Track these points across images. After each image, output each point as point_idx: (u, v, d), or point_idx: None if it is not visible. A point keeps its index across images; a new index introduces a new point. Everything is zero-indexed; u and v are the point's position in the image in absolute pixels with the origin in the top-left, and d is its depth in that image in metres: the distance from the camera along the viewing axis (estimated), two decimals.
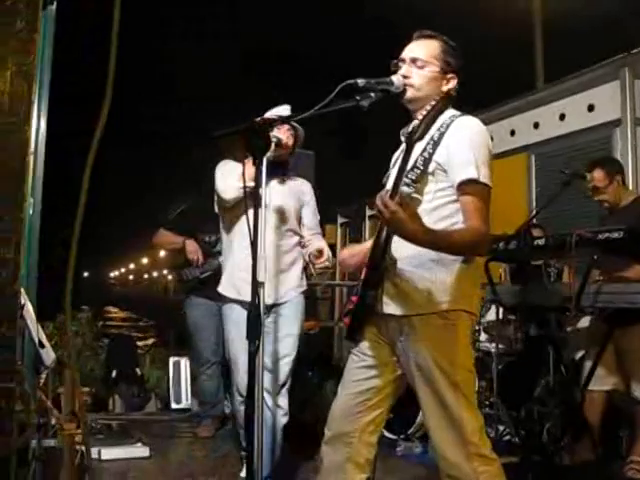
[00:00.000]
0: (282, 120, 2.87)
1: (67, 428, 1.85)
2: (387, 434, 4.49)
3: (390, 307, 2.33)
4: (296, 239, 3.74)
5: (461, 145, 2.22)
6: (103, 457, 3.88)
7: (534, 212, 4.31)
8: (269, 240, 3.44)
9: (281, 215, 3.63)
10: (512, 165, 6.19)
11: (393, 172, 2.44)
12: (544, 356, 4.29)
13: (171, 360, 5.93)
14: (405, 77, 2.35)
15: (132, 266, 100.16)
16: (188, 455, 4.49)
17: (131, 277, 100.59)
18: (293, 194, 3.74)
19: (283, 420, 3.53)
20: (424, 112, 2.32)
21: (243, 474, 3.74)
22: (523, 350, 4.81)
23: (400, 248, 2.26)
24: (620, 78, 5.21)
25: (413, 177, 2.18)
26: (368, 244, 2.58)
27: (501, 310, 4.47)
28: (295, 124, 3.70)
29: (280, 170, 3.65)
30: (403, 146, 2.55)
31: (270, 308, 3.59)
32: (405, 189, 2.07)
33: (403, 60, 2.40)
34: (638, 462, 3.83)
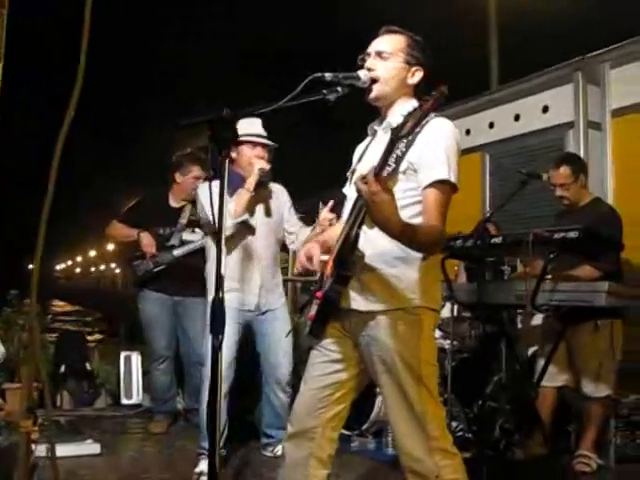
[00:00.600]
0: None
1: (24, 425, 1.78)
2: (341, 430, 4.49)
3: (355, 302, 2.32)
4: (278, 249, 4.17)
5: (435, 147, 2.23)
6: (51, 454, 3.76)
7: (491, 211, 4.35)
8: (262, 255, 3.98)
9: (269, 227, 4.02)
10: (467, 164, 6.19)
11: (363, 165, 2.44)
12: (497, 353, 4.35)
13: (122, 355, 5.83)
14: (370, 70, 2.35)
15: (79, 259, 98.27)
16: (140, 451, 4.42)
17: (78, 270, 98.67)
18: (274, 206, 4.08)
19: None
20: (409, 108, 2.32)
21: (198, 469, 3.71)
22: (476, 347, 4.87)
23: (366, 244, 2.25)
24: (574, 81, 5.32)
25: (384, 174, 2.17)
26: (325, 237, 2.57)
27: (455, 307, 4.50)
28: (269, 142, 4.01)
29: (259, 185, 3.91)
30: (368, 139, 2.55)
31: (264, 313, 4.04)
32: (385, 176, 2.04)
33: (368, 54, 2.40)
34: (586, 456, 3.94)
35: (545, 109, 5.61)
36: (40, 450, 2.43)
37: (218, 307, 1.89)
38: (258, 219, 3.99)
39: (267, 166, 3.89)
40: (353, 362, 2.43)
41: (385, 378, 2.30)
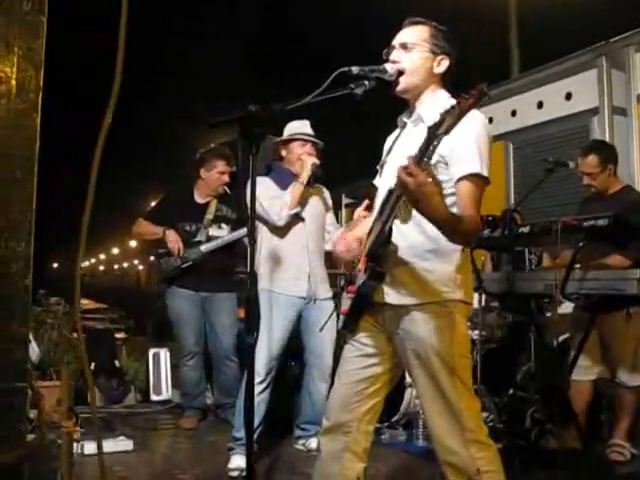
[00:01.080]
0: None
1: (66, 425, 1.81)
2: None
3: (389, 296, 2.32)
4: (324, 243, 4.24)
5: (467, 139, 2.21)
6: (86, 452, 3.76)
7: (517, 199, 4.32)
8: (311, 246, 4.09)
9: (317, 222, 4.18)
10: (490, 160, 6.21)
11: (392, 157, 2.44)
12: (525, 342, 4.33)
13: (151, 351, 5.88)
14: (395, 62, 2.35)
15: (102, 256, 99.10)
16: (172, 447, 4.47)
17: (102, 267, 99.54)
18: (321, 202, 4.26)
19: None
20: (439, 98, 2.32)
21: (232, 464, 3.74)
22: (505, 337, 4.85)
23: (399, 238, 2.25)
24: (598, 67, 5.25)
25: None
26: (360, 231, 2.57)
27: (483, 297, 4.49)
28: (317, 141, 4.17)
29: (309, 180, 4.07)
30: (398, 131, 2.55)
31: (313, 301, 4.09)
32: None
33: (393, 47, 2.39)
34: (620, 445, 3.92)
35: (568, 96, 5.54)
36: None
37: (253, 304, 1.90)
38: (308, 212, 4.12)
39: (317, 161, 4.06)
40: (387, 356, 2.43)
41: (419, 372, 2.31)
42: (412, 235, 2.23)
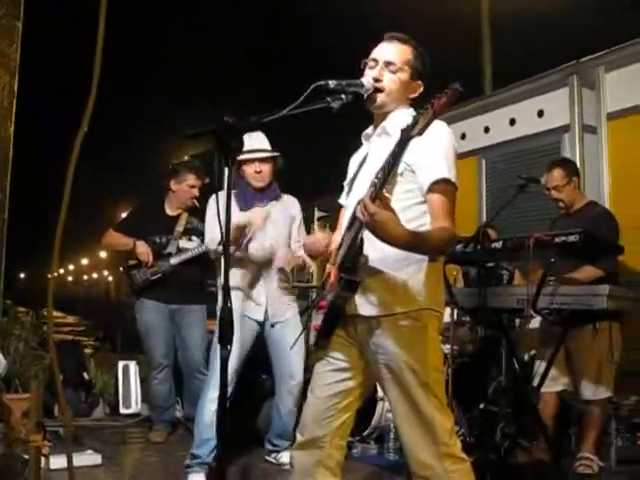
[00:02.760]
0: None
1: (34, 439, 1.76)
2: None
3: (361, 307, 2.32)
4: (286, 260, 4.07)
5: (432, 147, 2.23)
6: (52, 466, 3.63)
7: (491, 215, 4.37)
8: (268, 266, 3.97)
9: (277, 240, 4.03)
10: (462, 168, 6.14)
11: (362, 174, 2.44)
12: (496, 357, 4.36)
13: (120, 364, 5.79)
14: (377, 80, 2.35)
15: (71, 267, 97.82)
16: (141, 461, 4.39)
17: (70, 278, 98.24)
18: (283, 218, 4.11)
19: None
20: (406, 116, 2.33)
21: None
22: (476, 351, 4.87)
23: (369, 248, 2.24)
24: (569, 85, 5.35)
25: (383, 177, 2.16)
26: (332, 238, 2.57)
27: (455, 312, 4.51)
28: (274, 154, 4.05)
29: (265, 195, 4.05)
30: (364, 148, 2.55)
31: (273, 324, 4.04)
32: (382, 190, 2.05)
33: (375, 60, 2.39)
34: (588, 458, 3.94)
35: (540, 113, 5.64)
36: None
37: (226, 317, 1.88)
38: (267, 231, 4.00)
39: (259, 183, 3.99)
40: (359, 369, 2.43)
41: (392, 386, 2.30)
42: (382, 245, 2.22)
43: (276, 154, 4.08)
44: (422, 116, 1.90)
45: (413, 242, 2.14)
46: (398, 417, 2.34)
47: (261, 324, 4.02)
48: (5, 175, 1.03)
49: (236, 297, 3.85)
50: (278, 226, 4.07)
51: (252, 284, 3.97)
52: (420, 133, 1.92)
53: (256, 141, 4.01)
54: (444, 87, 2.14)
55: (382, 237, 2.06)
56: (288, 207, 4.20)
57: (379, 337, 2.30)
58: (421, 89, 2.46)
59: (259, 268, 3.98)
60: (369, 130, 2.53)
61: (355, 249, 2.20)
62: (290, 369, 4.04)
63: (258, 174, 3.98)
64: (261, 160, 4.00)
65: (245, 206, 3.96)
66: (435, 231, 2.23)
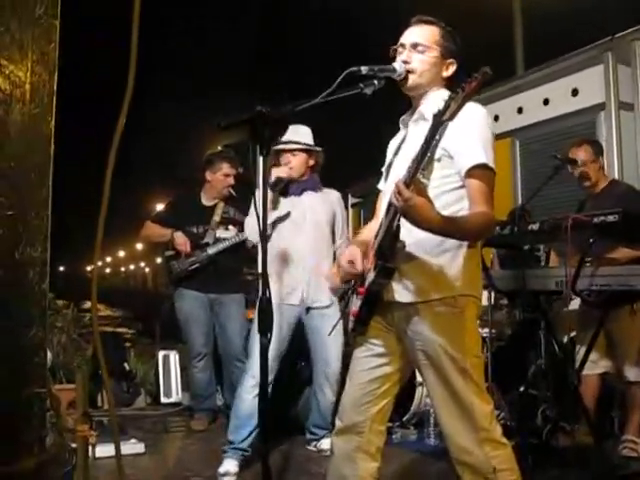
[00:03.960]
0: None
1: (81, 429, 1.81)
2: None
3: (398, 294, 2.32)
4: (328, 250, 4.15)
5: (469, 131, 2.22)
6: (97, 455, 3.75)
7: (525, 196, 4.32)
8: (307, 253, 4.00)
9: (317, 229, 4.08)
10: (496, 150, 6.14)
11: (399, 159, 2.43)
12: (535, 340, 4.32)
13: (160, 354, 5.88)
14: (406, 62, 2.34)
15: (109, 259, 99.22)
16: (183, 449, 4.46)
17: (108, 270, 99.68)
18: (324, 209, 4.15)
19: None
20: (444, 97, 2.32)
21: (222, 469, 3.73)
22: (514, 334, 4.84)
23: (406, 234, 2.24)
24: (604, 62, 5.24)
25: (416, 164, 2.15)
26: (363, 236, 2.57)
27: (493, 295, 4.48)
28: (314, 147, 4.12)
29: (301, 185, 4.10)
30: (402, 133, 2.54)
31: (310, 309, 4.05)
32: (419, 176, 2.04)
33: (403, 45, 2.38)
34: (632, 441, 3.90)
35: (575, 92, 5.54)
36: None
37: (265, 306, 1.90)
38: (307, 220, 4.06)
39: (284, 174, 4.00)
40: (397, 355, 2.43)
41: (430, 372, 2.30)
42: (418, 232, 2.21)
43: (308, 147, 4.09)
44: (453, 100, 1.88)
45: (448, 228, 2.13)
46: (437, 403, 2.34)
47: (298, 310, 4.03)
48: (47, 171, 1.05)
49: (273, 284, 3.85)
50: (317, 213, 4.10)
51: (289, 269, 3.98)
52: (451, 118, 1.90)
53: (291, 134, 4.07)
54: (475, 69, 2.12)
55: (416, 222, 2.06)
56: (329, 200, 4.24)
57: (416, 323, 2.29)
58: (454, 67, 2.42)
59: (296, 253, 3.99)
60: (407, 115, 2.52)
61: (391, 235, 2.19)
62: (326, 356, 4.07)
63: (287, 164, 4.03)
64: (291, 152, 4.05)
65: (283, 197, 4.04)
66: (473, 216, 2.22)
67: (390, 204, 2.24)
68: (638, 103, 5.09)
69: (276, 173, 3.96)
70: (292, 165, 4.04)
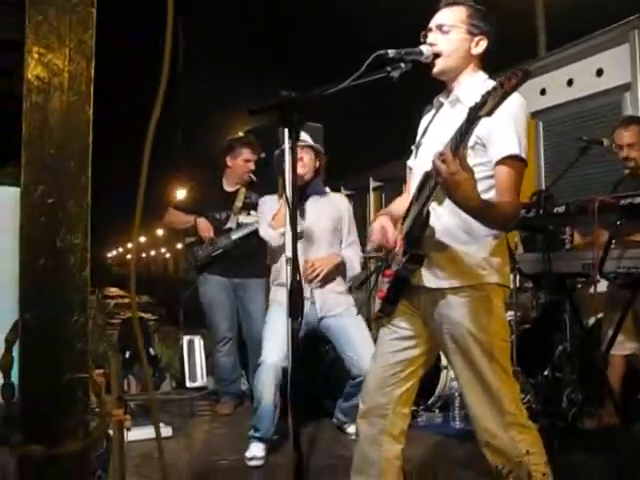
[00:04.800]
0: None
1: (116, 414, 1.84)
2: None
3: (426, 279, 2.32)
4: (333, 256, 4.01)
5: (504, 121, 2.19)
6: (127, 439, 3.82)
7: (550, 178, 4.28)
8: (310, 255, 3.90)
9: (320, 237, 3.99)
10: (528, 141, 6.13)
11: (428, 139, 2.42)
12: (560, 323, 4.29)
13: (185, 338, 5.92)
14: (432, 45, 2.33)
15: (130, 245, 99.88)
16: (210, 433, 4.52)
17: (129, 256, 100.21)
18: (330, 214, 4.06)
19: None
20: (477, 80, 2.31)
21: (249, 453, 3.75)
22: (539, 317, 4.82)
23: (435, 221, 2.24)
24: (630, 41, 5.14)
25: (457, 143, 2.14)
26: (397, 209, 2.56)
27: (518, 278, 4.46)
28: (318, 147, 4.08)
29: (312, 190, 4.04)
30: (433, 112, 2.52)
31: (322, 319, 3.98)
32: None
33: (430, 29, 2.37)
34: None
35: (599, 72, 5.44)
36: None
37: (296, 289, 1.90)
38: (312, 225, 3.99)
39: (300, 170, 3.85)
40: (423, 339, 2.43)
41: (457, 356, 2.31)
42: (448, 218, 2.23)
43: (316, 145, 4.05)
44: (491, 96, 1.86)
45: (484, 209, 2.12)
46: (464, 387, 2.35)
47: (311, 320, 3.94)
48: (87, 159, 1.06)
49: (282, 292, 3.83)
50: (321, 221, 4.02)
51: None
52: (489, 114, 1.88)
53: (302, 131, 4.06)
54: (497, 50, 2.09)
55: (457, 197, 2.03)
56: (335, 203, 4.18)
57: (443, 307, 2.30)
58: (485, 43, 2.39)
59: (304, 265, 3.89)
60: (441, 96, 2.50)
61: (422, 222, 2.19)
62: (357, 353, 3.86)
63: (299, 162, 3.90)
64: (302, 148, 3.94)
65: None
66: (504, 204, 2.21)
67: (421, 188, 2.23)
68: None
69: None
70: (305, 162, 3.98)
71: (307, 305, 3.80)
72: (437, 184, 2.06)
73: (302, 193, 3.98)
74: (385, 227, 2.37)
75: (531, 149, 6.08)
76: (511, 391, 2.30)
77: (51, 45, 1.04)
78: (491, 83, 2.06)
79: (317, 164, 4.06)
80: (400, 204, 2.56)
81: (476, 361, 2.27)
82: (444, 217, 2.23)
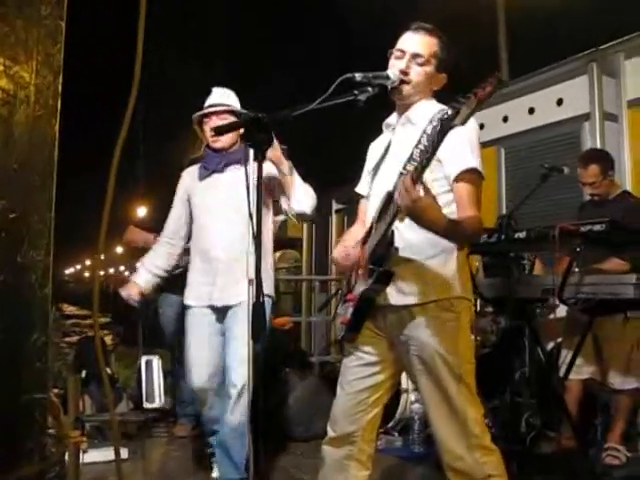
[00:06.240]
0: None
1: (73, 435, 1.79)
2: None
3: (392, 297, 2.32)
4: (243, 234, 3.14)
5: (459, 136, 2.22)
6: (82, 460, 3.73)
7: (511, 205, 4.35)
8: (216, 244, 3.47)
9: (222, 216, 3.46)
10: (482, 158, 6.22)
11: (388, 162, 2.43)
12: (520, 347, 4.33)
13: (143, 359, 5.79)
14: (404, 72, 2.34)
15: (88, 262, 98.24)
16: (167, 455, 4.44)
17: (87, 274, 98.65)
18: (232, 183, 3.40)
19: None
20: (430, 107, 2.34)
21: (214, 474, 3.67)
22: (499, 342, 4.86)
23: (398, 239, 2.24)
24: (588, 73, 5.30)
25: (411, 169, 2.16)
26: (351, 239, 2.56)
27: (478, 302, 4.50)
28: (238, 109, 3.55)
29: (226, 158, 3.53)
30: (386, 136, 2.54)
31: (218, 309, 3.49)
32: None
33: (402, 52, 2.37)
34: (615, 448, 3.93)
35: (560, 101, 5.59)
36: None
37: (259, 311, 1.88)
38: (225, 203, 3.45)
39: (217, 143, 3.49)
40: (388, 362, 2.43)
41: (424, 377, 2.30)
42: (410, 233, 2.23)
43: (236, 109, 3.55)
44: (465, 105, 1.87)
45: (451, 229, 2.15)
46: (429, 408, 2.34)
47: (212, 310, 3.52)
48: (51, 174, 1.04)
49: (191, 285, 3.64)
50: (240, 193, 3.03)
51: (199, 266, 3.60)
52: (463, 123, 1.89)
53: (219, 96, 3.62)
54: (459, 78, 2.12)
55: (423, 222, 2.07)
56: (240, 168, 3.40)
57: (410, 328, 2.29)
58: (444, 81, 2.46)
59: (203, 247, 3.56)
60: (391, 119, 2.53)
61: (386, 240, 2.19)
62: (230, 373, 3.33)
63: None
64: (218, 115, 3.51)
65: (205, 171, 3.56)
66: (468, 219, 2.24)
67: (383, 209, 2.24)
68: (621, 114, 5.16)
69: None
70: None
71: (207, 291, 3.53)
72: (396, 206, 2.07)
73: (218, 159, 3.54)
74: (348, 253, 2.38)
75: (493, 175, 6.24)
76: (476, 412, 2.31)
77: (18, 57, 1.02)
78: (442, 106, 2.11)
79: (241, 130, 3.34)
80: (355, 233, 2.56)
81: (444, 382, 2.26)
82: (407, 233, 2.23)
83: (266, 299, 3.22)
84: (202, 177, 3.58)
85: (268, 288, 3.31)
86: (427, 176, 2.27)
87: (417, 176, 1.98)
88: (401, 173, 2.14)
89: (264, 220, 2.67)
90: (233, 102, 3.60)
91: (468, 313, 2.35)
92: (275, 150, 3.08)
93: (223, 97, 3.60)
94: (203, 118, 3.60)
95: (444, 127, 1.93)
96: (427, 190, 2.01)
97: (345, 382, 2.46)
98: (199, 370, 3.49)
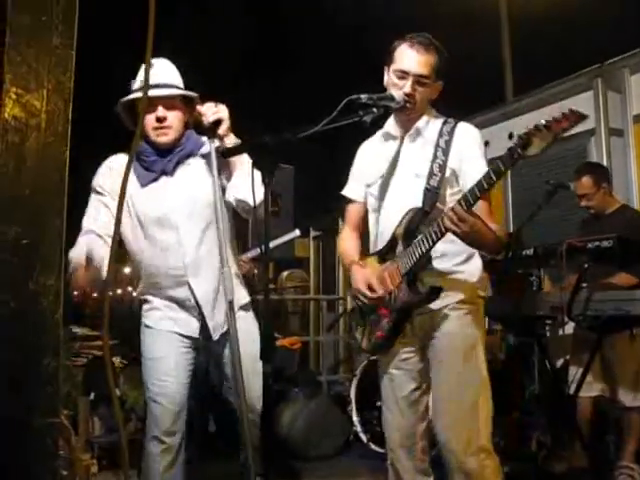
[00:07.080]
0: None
1: (83, 458, 1.79)
2: (375, 447, 4.49)
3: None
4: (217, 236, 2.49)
5: (472, 152, 2.29)
6: None
7: (518, 222, 4.35)
8: (192, 256, 2.71)
9: (190, 222, 2.71)
10: None
11: (400, 173, 2.47)
12: (529, 365, 4.32)
13: None
14: (410, 95, 2.38)
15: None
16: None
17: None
18: (198, 180, 2.69)
19: None
20: (432, 116, 2.52)
21: None
22: (507, 359, 4.84)
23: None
24: (594, 89, 5.30)
25: (434, 184, 2.24)
26: (356, 248, 2.66)
27: (486, 320, 4.48)
28: (188, 93, 2.70)
29: (175, 156, 2.72)
30: (394, 145, 2.55)
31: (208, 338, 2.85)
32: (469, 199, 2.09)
33: (405, 73, 2.39)
34: (628, 467, 3.88)
35: None
36: None
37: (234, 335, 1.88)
38: (176, 213, 2.70)
39: (162, 138, 2.67)
40: (424, 371, 2.50)
41: (442, 366, 2.39)
42: (442, 245, 2.30)
43: (191, 94, 2.70)
44: (535, 136, 1.88)
45: (497, 240, 2.28)
46: (443, 405, 2.39)
47: (196, 340, 2.85)
48: (62, 200, 1.05)
49: (162, 306, 2.88)
50: (187, 198, 2.70)
51: (171, 287, 2.80)
52: (537, 155, 1.97)
53: (163, 73, 2.65)
54: (464, 96, 2.14)
55: (476, 244, 2.23)
56: (204, 164, 2.70)
57: (439, 320, 2.39)
58: (440, 89, 2.51)
59: (178, 268, 2.74)
60: (392, 129, 2.56)
61: (426, 259, 2.29)
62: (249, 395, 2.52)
63: (161, 124, 2.64)
64: (165, 103, 2.64)
65: (147, 177, 2.70)
66: (499, 231, 2.36)
67: (413, 228, 2.30)
68: (627, 129, 5.16)
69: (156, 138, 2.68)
70: (169, 122, 2.66)
71: (190, 320, 2.83)
72: (442, 230, 2.15)
73: (167, 159, 2.70)
74: (383, 277, 2.41)
75: (499, 192, 6.23)
76: (490, 415, 2.37)
77: (29, 86, 1.04)
78: (444, 118, 2.34)
79: (187, 116, 2.74)
80: (356, 248, 2.66)
81: (464, 383, 2.34)
82: (439, 245, 2.29)
83: (251, 319, 2.87)
84: (145, 182, 2.70)
85: (244, 298, 2.87)
86: (446, 192, 2.36)
87: (471, 203, 2.03)
88: (427, 189, 2.28)
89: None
90: (179, 81, 2.74)
91: (482, 307, 2.48)
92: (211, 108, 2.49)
93: (170, 74, 2.70)
94: (136, 102, 2.63)
95: (514, 156, 1.93)
96: (473, 213, 2.08)
97: (392, 401, 2.52)
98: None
